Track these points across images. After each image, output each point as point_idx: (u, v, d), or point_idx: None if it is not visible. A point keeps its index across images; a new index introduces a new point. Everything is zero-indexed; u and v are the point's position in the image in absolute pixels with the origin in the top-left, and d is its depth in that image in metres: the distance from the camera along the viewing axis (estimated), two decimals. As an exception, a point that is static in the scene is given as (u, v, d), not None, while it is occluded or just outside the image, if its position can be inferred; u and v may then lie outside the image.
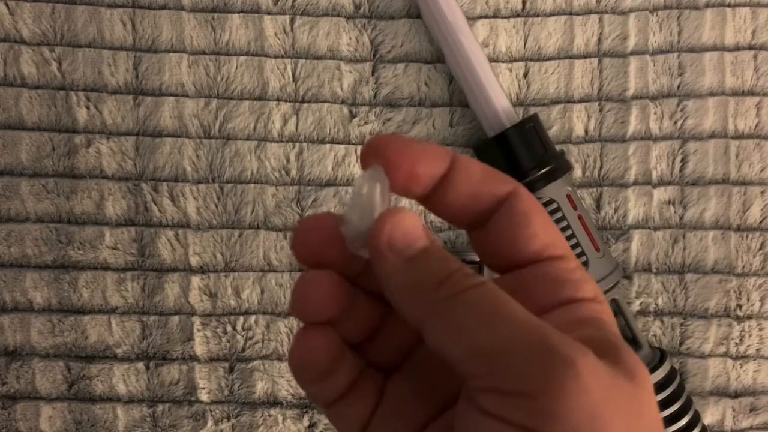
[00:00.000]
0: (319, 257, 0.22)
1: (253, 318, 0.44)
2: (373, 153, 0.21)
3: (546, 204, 0.41)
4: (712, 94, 0.45)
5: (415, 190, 0.22)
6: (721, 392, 0.45)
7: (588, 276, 0.21)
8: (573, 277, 0.21)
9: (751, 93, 0.45)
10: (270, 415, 0.44)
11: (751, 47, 0.45)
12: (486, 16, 0.45)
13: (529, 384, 0.17)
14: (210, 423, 0.44)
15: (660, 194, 0.45)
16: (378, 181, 0.21)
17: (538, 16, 0.45)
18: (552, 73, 0.45)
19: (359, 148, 0.44)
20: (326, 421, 0.44)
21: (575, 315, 0.20)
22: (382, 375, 0.24)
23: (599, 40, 0.45)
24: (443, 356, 0.19)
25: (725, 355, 0.45)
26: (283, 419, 0.44)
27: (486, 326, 0.18)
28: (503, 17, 0.45)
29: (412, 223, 0.20)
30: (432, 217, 0.44)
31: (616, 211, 0.45)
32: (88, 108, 0.44)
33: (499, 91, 0.42)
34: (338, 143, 0.44)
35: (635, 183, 0.45)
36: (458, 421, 0.20)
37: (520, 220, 0.21)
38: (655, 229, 0.45)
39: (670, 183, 0.45)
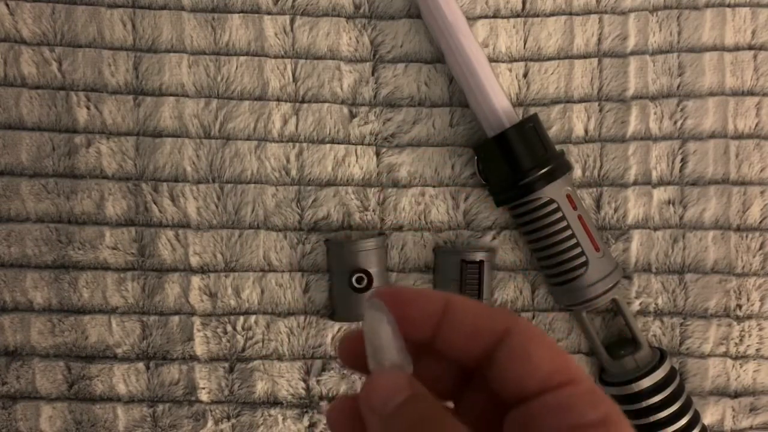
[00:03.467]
0: (357, 367, 0.24)
1: (253, 318, 0.44)
2: (386, 302, 0.23)
3: (546, 204, 0.41)
4: (712, 94, 0.45)
5: (414, 333, 0.23)
6: (721, 392, 0.45)
7: (599, 398, 0.21)
8: (578, 402, 0.21)
9: (751, 93, 0.45)
10: (270, 415, 0.44)
11: (750, 47, 0.45)
12: (486, 16, 0.45)
13: None
14: (210, 423, 0.44)
15: (660, 194, 0.45)
16: (380, 315, 0.22)
17: (538, 16, 0.45)
18: (552, 73, 0.45)
19: (359, 148, 0.45)
20: (326, 421, 0.44)
21: None
22: None
23: (599, 40, 0.45)
24: None
25: (725, 355, 0.45)
26: (283, 419, 0.44)
27: None
28: (503, 17, 0.45)
29: (391, 379, 0.21)
30: (432, 216, 0.45)
31: (616, 211, 0.45)
32: (88, 108, 0.44)
33: (499, 91, 0.42)
34: (338, 143, 0.44)
35: (635, 183, 0.45)
36: None
37: (519, 355, 0.22)
38: (655, 229, 0.45)
39: (670, 183, 0.45)
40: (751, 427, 0.45)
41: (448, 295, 0.23)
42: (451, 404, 0.25)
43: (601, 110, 0.45)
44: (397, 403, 0.21)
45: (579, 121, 0.45)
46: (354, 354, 0.23)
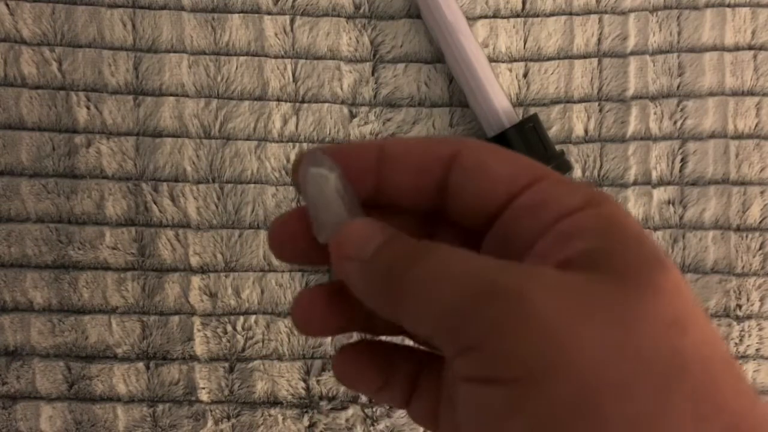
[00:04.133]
0: (296, 255, 0.22)
1: (253, 318, 0.44)
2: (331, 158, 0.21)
3: (546, 204, 0.41)
4: (711, 94, 0.45)
5: (359, 189, 0.21)
6: (721, 392, 0.45)
7: (573, 185, 0.19)
8: (550, 196, 0.19)
9: (751, 93, 0.45)
10: (270, 415, 0.44)
11: (750, 47, 0.45)
12: (486, 16, 0.45)
13: (478, 334, 0.16)
14: (210, 423, 0.44)
15: (660, 194, 0.45)
16: (329, 172, 0.20)
17: (538, 16, 0.45)
18: (552, 73, 0.45)
19: (359, 148, 0.44)
20: (326, 420, 0.44)
21: (564, 232, 0.18)
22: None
23: (599, 40, 0.45)
24: (426, 341, 0.19)
25: (725, 355, 0.45)
26: (283, 419, 0.44)
27: (438, 292, 0.17)
28: (503, 17, 0.45)
29: (361, 227, 0.20)
30: (432, 217, 0.45)
31: (616, 211, 0.45)
32: (88, 108, 0.44)
33: (499, 91, 0.42)
34: (338, 143, 0.44)
35: (635, 183, 0.45)
36: (453, 397, 0.19)
37: (473, 171, 0.20)
38: (655, 229, 0.45)
39: (669, 183, 0.45)
40: (751, 427, 0.45)
41: (382, 140, 0.21)
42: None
43: (601, 110, 0.45)
44: (375, 246, 0.19)
45: (579, 121, 0.45)
46: (290, 238, 0.21)
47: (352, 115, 0.45)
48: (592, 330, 0.15)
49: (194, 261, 0.44)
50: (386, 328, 0.23)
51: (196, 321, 0.44)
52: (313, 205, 0.20)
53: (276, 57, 0.44)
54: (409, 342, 0.24)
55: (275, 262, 0.44)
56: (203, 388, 0.44)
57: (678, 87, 0.45)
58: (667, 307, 0.16)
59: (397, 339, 0.25)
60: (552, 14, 0.45)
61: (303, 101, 0.44)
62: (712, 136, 0.45)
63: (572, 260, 0.17)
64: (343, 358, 0.23)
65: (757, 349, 0.45)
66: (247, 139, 0.44)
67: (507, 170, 0.19)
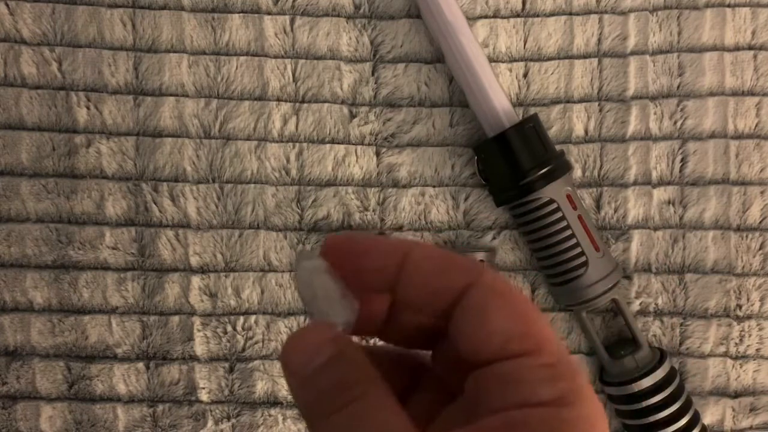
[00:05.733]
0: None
1: (253, 318, 0.44)
2: (325, 252, 0.21)
3: (546, 204, 0.41)
4: (711, 94, 0.45)
5: (372, 285, 0.21)
6: (721, 392, 0.45)
7: (559, 372, 0.18)
8: (531, 376, 0.18)
9: (751, 93, 0.45)
10: (270, 415, 0.44)
11: (750, 47, 0.45)
12: (486, 16, 0.45)
13: None
14: (210, 423, 0.44)
15: (660, 194, 0.45)
16: (311, 264, 0.20)
17: (538, 16, 0.45)
18: (552, 73, 0.45)
19: (359, 148, 0.45)
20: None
21: (519, 420, 0.18)
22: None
23: (599, 40, 0.45)
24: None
25: (725, 355, 0.45)
26: (283, 419, 0.44)
27: None
28: (503, 17, 0.45)
29: (310, 338, 0.19)
30: (432, 216, 0.45)
31: (616, 211, 0.45)
32: (88, 108, 0.44)
33: (499, 91, 0.42)
34: (338, 143, 0.44)
35: (635, 183, 0.45)
36: None
37: (475, 316, 0.19)
38: (655, 229, 0.45)
39: (669, 183, 0.45)
40: (751, 427, 0.45)
41: (408, 246, 0.21)
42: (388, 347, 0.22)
43: (601, 110, 0.45)
44: (317, 365, 0.19)
45: (579, 121, 0.45)
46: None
47: (352, 115, 0.45)
48: None
49: (194, 261, 0.44)
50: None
51: (196, 321, 0.44)
52: (304, 300, 0.20)
53: (276, 57, 0.44)
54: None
55: (275, 261, 0.44)
56: (203, 388, 0.44)
57: (678, 87, 0.45)
58: None
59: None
60: (552, 14, 0.45)
61: (303, 101, 0.44)
62: (712, 136, 0.45)
63: None
64: None
65: (757, 349, 0.45)
66: (247, 139, 0.44)
67: (507, 328, 0.19)
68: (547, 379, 0.18)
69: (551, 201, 0.41)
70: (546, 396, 0.18)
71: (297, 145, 0.44)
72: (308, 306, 0.20)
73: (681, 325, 0.45)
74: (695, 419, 0.42)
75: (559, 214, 0.41)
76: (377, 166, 0.45)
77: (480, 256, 0.43)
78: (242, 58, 0.44)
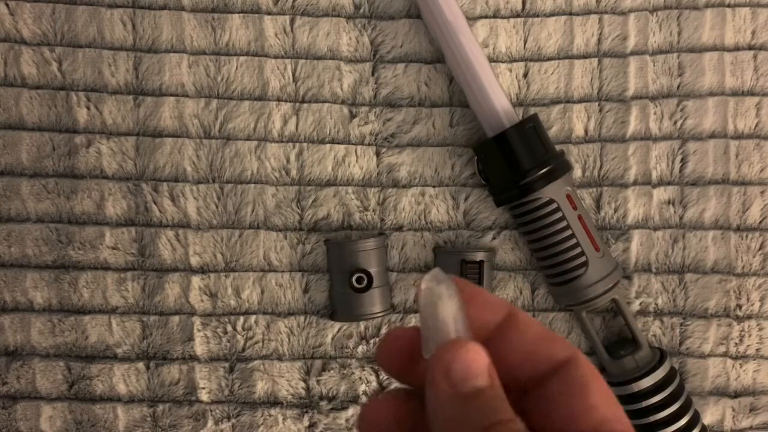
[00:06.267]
0: (398, 370, 0.22)
1: (253, 318, 0.44)
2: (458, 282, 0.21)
3: (546, 204, 0.41)
4: (711, 94, 0.45)
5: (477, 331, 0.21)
6: (721, 392, 0.45)
7: None
8: None
9: (751, 93, 0.45)
10: (270, 415, 0.44)
11: (750, 47, 0.45)
12: (486, 16, 0.45)
13: None
14: (210, 423, 0.44)
15: (660, 194, 0.45)
16: (445, 289, 0.20)
17: (538, 16, 0.45)
18: (552, 73, 0.45)
19: (359, 148, 0.45)
20: (326, 420, 0.44)
21: None
22: None
23: (599, 40, 0.45)
24: None
25: (725, 355, 0.45)
26: (283, 419, 0.44)
27: None
28: (503, 17, 0.45)
29: (476, 358, 0.19)
30: (432, 216, 0.45)
31: (616, 211, 0.45)
32: (88, 108, 0.44)
33: (499, 91, 0.42)
34: (338, 143, 0.44)
35: (635, 183, 0.45)
36: None
37: (578, 389, 0.20)
38: (655, 229, 0.45)
39: (669, 183, 0.45)
40: (751, 427, 0.45)
41: (510, 306, 0.21)
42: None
43: (601, 110, 0.45)
44: (476, 387, 0.19)
45: (579, 121, 0.45)
46: (398, 353, 0.21)
47: (352, 115, 0.45)
48: None
49: (194, 261, 0.44)
50: None
51: (196, 321, 0.44)
52: (425, 320, 0.20)
53: (276, 57, 0.44)
54: None
55: (275, 261, 0.44)
56: (203, 388, 0.44)
57: (678, 87, 0.45)
58: None
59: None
60: (552, 14, 0.45)
61: (303, 101, 0.44)
62: (712, 136, 0.45)
63: None
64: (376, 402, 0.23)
65: (757, 349, 0.45)
66: (247, 139, 0.44)
67: (607, 408, 0.20)
68: None
69: (551, 201, 0.41)
70: None
71: (297, 145, 0.44)
72: (440, 330, 0.20)
73: (681, 325, 0.45)
74: (695, 419, 0.42)
75: (559, 214, 0.41)
76: (377, 166, 0.45)
77: (480, 256, 0.43)
78: (242, 58, 0.44)
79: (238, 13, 0.44)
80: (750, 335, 0.45)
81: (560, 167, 0.41)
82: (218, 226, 0.44)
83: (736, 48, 0.45)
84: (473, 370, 0.19)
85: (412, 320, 0.45)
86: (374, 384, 0.45)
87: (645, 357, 0.42)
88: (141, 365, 0.44)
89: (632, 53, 0.45)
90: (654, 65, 0.45)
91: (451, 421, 0.19)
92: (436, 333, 0.20)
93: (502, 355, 0.21)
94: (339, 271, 0.43)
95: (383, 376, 0.45)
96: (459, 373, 0.19)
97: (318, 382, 0.45)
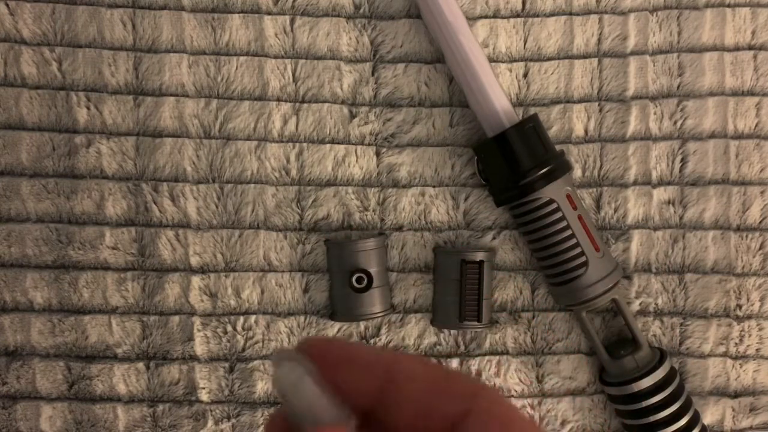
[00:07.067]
0: None
1: (253, 318, 0.44)
2: (307, 355, 0.18)
3: (546, 204, 0.41)
4: (711, 94, 0.45)
5: (350, 400, 0.18)
6: (721, 392, 0.45)
7: None
8: None
9: (751, 93, 0.45)
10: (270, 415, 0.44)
11: (750, 47, 0.45)
12: (486, 16, 0.45)
13: None
14: (210, 423, 0.44)
15: (660, 194, 0.45)
16: (296, 366, 0.18)
17: (538, 16, 0.45)
18: (552, 73, 0.45)
19: (359, 148, 0.45)
20: None
21: None
22: None
23: (599, 40, 0.45)
24: None
25: (725, 355, 0.45)
26: (283, 419, 0.44)
27: None
28: (503, 17, 0.45)
29: None
30: (432, 216, 0.45)
31: (615, 211, 0.45)
32: (88, 108, 0.44)
33: (499, 91, 0.42)
34: (338, 143, 0.44)
35: (635, 183, 0.45)
36: None
37: None
38: (655, 229, 0.45)
39: (669, 183, 0.45)
40: (751, 427, 0.45)
41: (391, 359, 0.18)
42: None
43: (601, 110, 0.45)
44: None
45: (579, 121, 0.45)
46: None
47: (352, 115, 0.45)
48: None
49: (194, 261, 0.44)
50: None
51: (196, 321, 0.44)
52: (287, 402, 0.18)
53: (276, 57, 0.44)
54: None
55: (275, 261, 0.44)
56: (203, 388, 0.44)
57: (678, 87, 0.45)
58: None
59: None
60: (552, 14, 0.45)
61: (303, 101, 0.44)
62: (712, 136, 0.45)
63: None
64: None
65: (757, 349, 0.45)
66: (247, 139, 0.44)
67: None
68: None
69: (551, 201, 0.41)
70: None
71: (297, 145, 0.44)
72: (305, 413, 0.18)
73: (681, 325, 0.45)
74: (695, 419, 0.42)
75: (559, 214, 0.41)
76: (377, 166, 0.45)
77: (480, 256, 0.43)
78: (242, 58, 0.44)
79: (238, 13, 0.44)
80: (750, 335, 0.45)
81: (560, 167, 0.41)
82: (218, 226, 0.44)
83: (736, 48, 0.45)
84: None
85: (412, 320, 0.45)
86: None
87: (645, 357, 0.42)
88: (141, 365, 0.44)
89: (632, 53, 0.45)
90: (654, 65, 0.45)
91: None
92: (305, 412, 0.18)
93: (395, 417, 0.18)
94: (339, 271, 0.43)
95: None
96: None
97: (318, 382, 0.44)
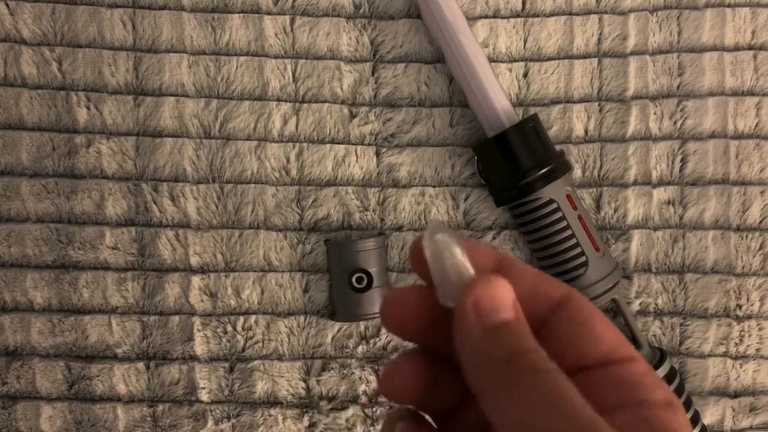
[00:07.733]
0: (406, 330, 0.22)
1: (253, 318, 0.44)
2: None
3: (546, 204, 0.41)
4: (711, 94, 0.45)
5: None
6: (721, 392, 0.45)
7: (660, 381, 0.21)
8: (644, 381, 0.20)
9: (751, 93, 0.45)
10: (270, 415, 0.44)
11: (750, 47, 0.45)
12: (486, 16, 0.45)
13: None
14: (210, 423, 0.44)
15: (660, 194, 0.45)
16: (447, 237, 0.21)
17: (538, 16, 0.45)
18: (552, 73, 0.45)
19: (359, 148, 0.45)
20: (326, 420, 0.44)
21: (643, 418, 0.20)
22: None
23: (599, 40, 0.45)
24: (496, 428, 0.19)
25: (725, 355, 0.45)
26: (283, 419, 0.44)
27: (543, 412, 0.18)
28: (503, 17, 0.45)
29: (503, 292, 0.20)
30: (432, 216, 0.45)
31: (616, 211, 0.45)
32: (88, 108, 0.44)
33: (499, 91, 0.42)
34: (338, 143, 0.44)
35: (635, 183, 0.45)
36: None
37: (581, 323, 0.21)
38: (655, 229, 0.45)
39: (669, 183, 0.45)
40: (751, 427, 0.45)
41: (500, 253, 0.22)
42: None
43: (601, 110, 0.45)
44: (503, 319, 0.20)
45: (579, 121, 0.45)
46: (404, 313, 0.22)
47: (352, 115, 0.45)
48: None
49: (194, 261, 0.44)
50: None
51: (196, 321, 0.44)
52: (438, 268, 0.21)
53: (276, 57, 0.44)
54: None
55: (275, 261, 0.44)
56: (203, 388, 0.44)
57: (678, 87, 0.45)
58: None
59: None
60: (552, 14, 0.45)
61: (303, 101, 0.44)
62: (712, 136, 0.45)
63: None
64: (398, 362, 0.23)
65: (757, 349, 0.45)
66: (247, 139, 0.44)
67: (612, 336, 0.21)
68: (655, 385, 0.20)
69: (551, 201, 0.41)
70: (661, 398, 0.20)
71: (297, 145, 0.44)
72: (457, 275, 0.20)
73: (681, 325, 0.45)
74: (695, 419, 0.42)
75: (559, 214, 0.41)
76: (377, 166, 0.45)
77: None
78: (242, 58, 0.44)
79: (238, 13, 0.44)
80: (750, 335, 0.45)
81: (560, 167, 0.41)
82: (218, 226, 0.44)
83: (736, 48, 0.45)
84: (500, 303, 0.20)
85: (412, 320, 0.44)
86: (374, 384, 0.45)
87: (645, 357, 0.42)
88: (141, 365, 0.44)
89: (632, 53, 0.45)
90: (654, 65, 0.45)
91: (479, 352, 0.20)
92: (454, 277, 0.20)
93: None
94: (339, 271, 0.43)
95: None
96: (487, 306, 0.20)
97: (318, 382, 0.45)
